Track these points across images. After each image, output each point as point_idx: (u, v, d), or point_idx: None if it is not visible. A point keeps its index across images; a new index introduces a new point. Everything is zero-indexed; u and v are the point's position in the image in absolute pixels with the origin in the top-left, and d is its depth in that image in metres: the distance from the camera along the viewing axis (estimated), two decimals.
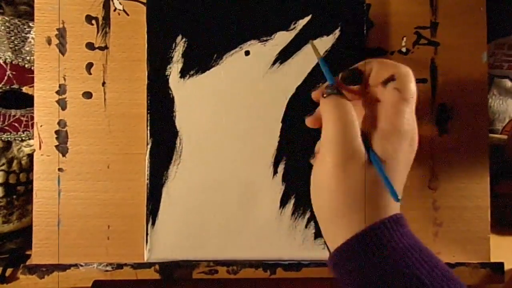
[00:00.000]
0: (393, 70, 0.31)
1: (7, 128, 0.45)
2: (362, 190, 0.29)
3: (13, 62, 0.44)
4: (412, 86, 0.31)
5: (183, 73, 0.40)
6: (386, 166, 0.29)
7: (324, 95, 0.32)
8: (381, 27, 0.42)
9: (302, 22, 0.40)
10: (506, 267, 0.42)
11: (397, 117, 0.30)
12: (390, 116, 0.30)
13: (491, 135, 0.57)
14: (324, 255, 0.40)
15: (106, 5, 0.41)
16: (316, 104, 0.34)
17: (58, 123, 0.41)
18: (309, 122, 0.35)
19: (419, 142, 0.42)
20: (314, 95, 0.36)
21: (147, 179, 0.40)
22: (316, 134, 0.34)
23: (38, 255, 0.40)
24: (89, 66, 0.41)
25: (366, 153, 0.30)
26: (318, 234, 0.40)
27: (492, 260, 0.42)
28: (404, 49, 0.42)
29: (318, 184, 0.31)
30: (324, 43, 0.41)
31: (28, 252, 0.45)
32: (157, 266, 0.40)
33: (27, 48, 0.44)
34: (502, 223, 0.49)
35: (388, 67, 0.32)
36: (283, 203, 0.40)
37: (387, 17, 0.42)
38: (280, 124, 0.40)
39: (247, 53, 0.40)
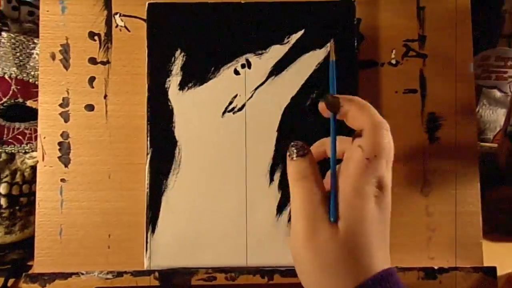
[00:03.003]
0: (364, 121, 0.28)
1: (11, 140, 0.46)
2: (337, 259, 0.27)
3: (18, 77, 0.46)
4: (378, 143, 0.27)
5: (182, 86, 0.42)
6: (353, 231, 0.27)
7: (292, 157, 0.29)
8: (371, 40, 0.44)
9: (295, 36, 0.42)
10: (499, 273, 0.42)
11: (357, 178, 0.27)
12: (350, 176, 0.27)
13: (482, 143, 0.59)
14: None
15: (108, 22, 0.43)
16: (310, 114, 0.34)
17: (61, 135, 0.42)
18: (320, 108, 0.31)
19: (410, 150, 0.44)
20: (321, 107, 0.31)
21: (147, 188, 0.41)
22: (309, 143, 0.35)
23: (40, 264, 0.41)
24: (92, 80, 0.43)
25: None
26: None
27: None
28: (393, 61, 0.44)
29: (295, 255, 0.29)
30: (317, 56, 0.42)
31: (29, 263, 0.45)
32: (156, 274, 0.41)
33: (32, 64, 0.46)
34: (494, 229, 0.49)
35: (360, 117, 0.28)
36: (280, 210, 0.41)
37: (377, 30, 0.44)
38: (276, 133, 0.41)
39: (243, 66, 0.42)
